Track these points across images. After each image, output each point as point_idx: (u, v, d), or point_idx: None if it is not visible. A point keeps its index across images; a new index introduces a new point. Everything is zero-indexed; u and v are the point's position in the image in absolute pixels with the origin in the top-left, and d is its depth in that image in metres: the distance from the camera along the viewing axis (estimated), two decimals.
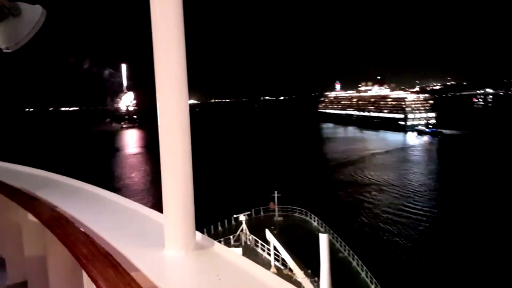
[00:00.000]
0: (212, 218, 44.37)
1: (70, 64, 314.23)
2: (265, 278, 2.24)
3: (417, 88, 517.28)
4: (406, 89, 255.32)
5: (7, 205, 4.37)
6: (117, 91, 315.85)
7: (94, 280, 2.19)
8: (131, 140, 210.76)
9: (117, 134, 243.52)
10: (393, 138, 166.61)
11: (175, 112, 2.53)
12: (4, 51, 3.47)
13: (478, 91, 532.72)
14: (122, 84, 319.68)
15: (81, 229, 3.10)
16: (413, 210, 66.72)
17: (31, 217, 3.71)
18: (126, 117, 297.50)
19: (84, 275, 2.72)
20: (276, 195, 46.74)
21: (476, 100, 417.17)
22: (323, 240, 27.13)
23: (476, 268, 44.21)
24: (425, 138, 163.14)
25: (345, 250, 37.24)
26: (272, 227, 39.83)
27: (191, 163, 2.60)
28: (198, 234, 2.74)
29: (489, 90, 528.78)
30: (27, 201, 4.00)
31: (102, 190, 4.67)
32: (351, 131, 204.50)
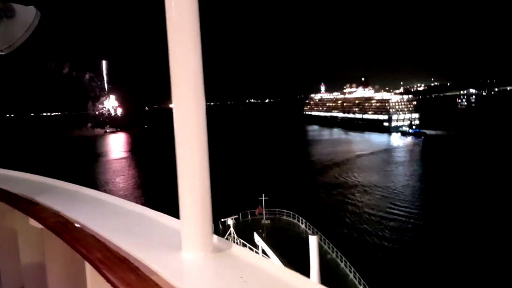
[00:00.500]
0: None
1: (50, 68, 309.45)
2: (292, 279, 2.12)
3: (401, 90, 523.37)
4: (391, 90, 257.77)
5: (2, 210, 4.22)
6: (99, 96, 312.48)
7: (114, 286, 2.10)
8: (114, 145, 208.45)
9: (100, 139, 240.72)
10: (378, 139, 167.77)
11: (191, 112, 2.38)
12: None
13: (461, 92, 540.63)
14: (103, 88, 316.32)
15: (90, 233, 2.94)
16: (397, 211, 67.16)
17: (33, 222, 3.54)
18: (108, 121, 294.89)
19: (88, 280, 2.69)
20: (263, 198, 46.47)
21: (460, 101, 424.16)
22: (313, 242, 27.20)
23: (459, 266, 44.61)
24: (409, 138, 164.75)
25: (333, 252, 37.17)
26: (260, 230, 39.56)
27: (208, 163, 2.45)
28: (214, 236, 2.63)
29: (472, 91, 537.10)
30: (28, 206, 3.81)
31: (103, 194, 4.47)
32: (336, 133, 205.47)
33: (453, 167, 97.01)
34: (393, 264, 47.07)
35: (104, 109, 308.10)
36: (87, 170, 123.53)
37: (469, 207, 64.71)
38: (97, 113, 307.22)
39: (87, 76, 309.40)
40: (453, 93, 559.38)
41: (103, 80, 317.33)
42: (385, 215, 65.39)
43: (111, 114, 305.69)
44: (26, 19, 3.24)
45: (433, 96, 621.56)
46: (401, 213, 66.22)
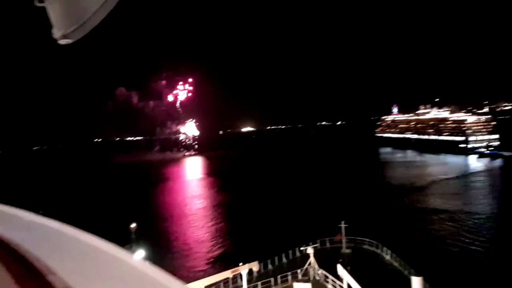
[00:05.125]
0: (275, 249, 44.63)
1: (119, 97, 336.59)
2: None
3: (485, 109, 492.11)
4: (473, 110, 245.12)
5: None
6: (171, 121, 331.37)
7: None
8: (192, 168, 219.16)
9: (179, 162, 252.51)
10: (454, 161, 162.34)
11: None
12: (61, 42, 2.21)
13: None
14: (178, 115, 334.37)
15: None
16: (491, 241, 61.70)
17: None
18: (187, 145, 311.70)
19: None
20: (343, 225, 44.41)
21: None
22: (416, 285, 23.02)
23: None
24: (486, 160, 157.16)
25: None
26: (341, 260, 35.77)
27: None
28: None
29: None
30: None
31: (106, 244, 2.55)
32: (411, 155, 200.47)
33: None
34: None
35: (183, 134, 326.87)
36: (164, 192, 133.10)
37: None
38: (173, 137, 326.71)
39: (151, 103, 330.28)
40: None
41: (180, 107, 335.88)
42: (480, 249, 58.67)
43: (190, 138, 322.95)
44: None
45: None
46: (496, 243, 60.38)
